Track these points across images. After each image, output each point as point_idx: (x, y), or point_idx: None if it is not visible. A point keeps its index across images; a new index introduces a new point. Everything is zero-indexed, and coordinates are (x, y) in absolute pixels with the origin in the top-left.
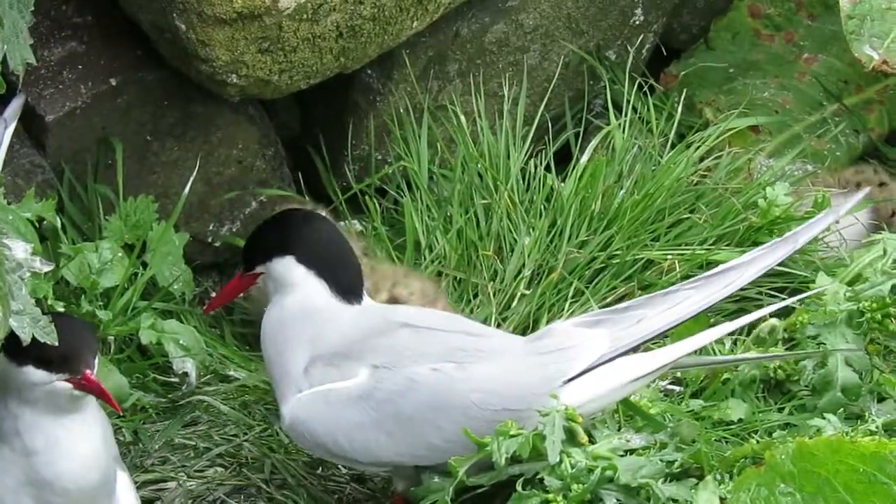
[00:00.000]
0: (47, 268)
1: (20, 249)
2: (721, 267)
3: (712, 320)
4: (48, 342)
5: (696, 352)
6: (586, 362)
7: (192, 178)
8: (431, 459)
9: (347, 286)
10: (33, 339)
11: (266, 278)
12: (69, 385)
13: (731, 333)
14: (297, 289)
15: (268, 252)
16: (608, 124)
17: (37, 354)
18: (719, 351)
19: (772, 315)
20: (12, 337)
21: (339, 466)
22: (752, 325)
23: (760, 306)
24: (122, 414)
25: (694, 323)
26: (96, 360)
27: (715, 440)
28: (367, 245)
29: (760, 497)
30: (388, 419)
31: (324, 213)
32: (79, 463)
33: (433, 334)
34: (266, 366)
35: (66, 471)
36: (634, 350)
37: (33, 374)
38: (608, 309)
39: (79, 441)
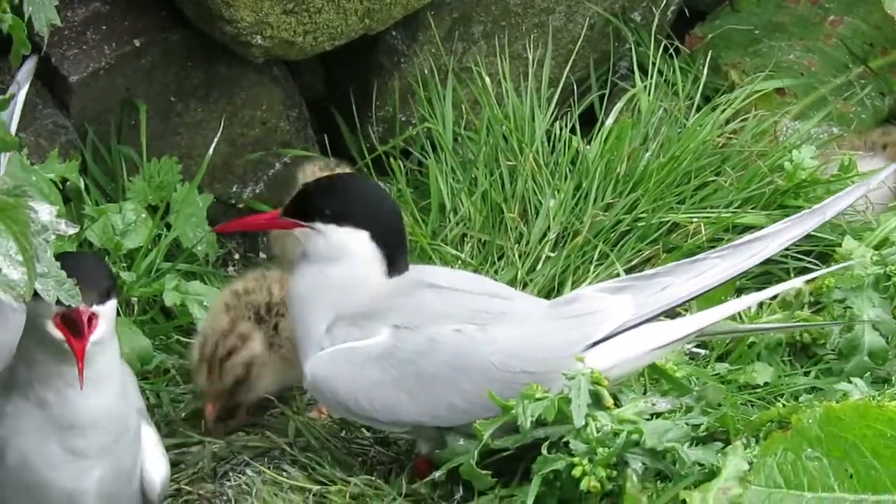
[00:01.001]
0: (72, 230)
1: (45, 212)
2: (748, 237)
3: (738, 283)
4: (73, 304)
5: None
6: (610, 328)
7: (215, 140)
8: (452, 420)
9: (402, 266)
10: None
11: (312, 235)
12: (60, 336)
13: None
14: (353, 262)
15: (339, 217)
16: (633, 87)
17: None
18: (745, 315)
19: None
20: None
21: (363, 430)
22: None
23: (786, 269)
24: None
25: (721, 290)
26: (110, 303)
27: (741, 404)
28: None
29: (787, 462)
30: (408, 379)
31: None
32: (90, 412)
33: (457, 295)
34: (291, 325)
35: (77, 419)
36: (659, 317)
37: (35, 307)
38: (634, 275)
39: (89, 394)
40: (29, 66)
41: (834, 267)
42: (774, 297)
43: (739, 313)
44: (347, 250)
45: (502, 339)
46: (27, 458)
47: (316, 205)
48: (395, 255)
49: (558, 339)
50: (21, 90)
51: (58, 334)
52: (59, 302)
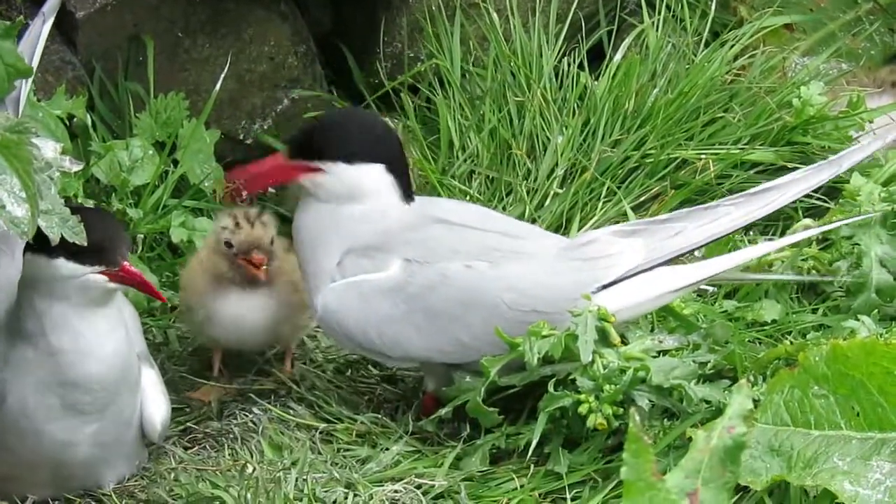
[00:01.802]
0: (77, 167)
1: (49, 148)
2: (763, 185)
3: None
4: (77, 241)
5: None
6: (621, 270)
7: (222, 75)
8: (459, 356)
9: (411, 191)
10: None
11: (321, 177)
12: (104, 278)
13: (764, 233)
14: (371, 198)
15: (349, 154)
16: (642, 22)
17: (69, 246)
18: None
19: (805, 215)
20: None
21: (370, 367)
22: (786, 227)
23: (793, 206)
24: (165, 302)
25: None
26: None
27: (748, 341)
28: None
29: (794, 399)
30: (417, 313)
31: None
32: (103, 360)
33: (468, 231)
34: (300, 262)
35: (90, 368)
36: (670, 262)
37: (64, 266)
38: (647, 220)
39: (103, 338)
40: (54, 0)
41: (851, 219)
42: (783, 233)
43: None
44: (364, 187)
45: (513, 277)
46: (26, 406)
47: (323, 145)
48: (407, 184)
49: (569, 280)
50: (46, 23)
51: (100, 279)
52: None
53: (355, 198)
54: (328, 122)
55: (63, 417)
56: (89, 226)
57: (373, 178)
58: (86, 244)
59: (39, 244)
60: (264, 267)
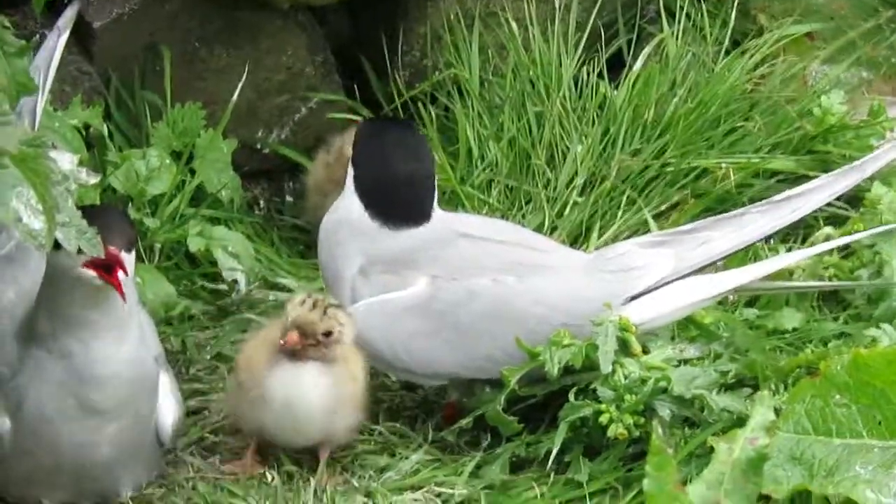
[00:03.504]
0: (94, 179)
1: (66, 161)
2: (788, 192)
3: None
4: (94, 253)
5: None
6: (650, 281)
7: (240, 85)
8: (490, 372)
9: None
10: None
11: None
12: (92, 273)
13: (784, 241)
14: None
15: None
16: (661, 31)
17: None
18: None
19: (826, 223)
20: None
21: (390, 374)
22: (806, 234)
23: (814, 215)
24: (122, 294)
25: None
26: (131, 255)
27: (769, 349)
28: None
29: (815, 408)
30: (446, 329)
31: None
32: (117, 361)
33: (493, 245)
34: (321, 271)
35: (100, 372)
36: (698, 272)
37: (61, 258)
38: (673, 230)
39: (112, 341)
40: (70, 14)
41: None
42: (804, 241)
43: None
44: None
45: (542, 290)
46: (43, 410)
47: (353, 153)
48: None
49: (598, 293)
50: (61, 37)
51: (89, 273)
52: (81, 252)
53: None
54: (360, 130)
55: (81, 418)
56: (87, 217)
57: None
58: (102, 256)
59: None
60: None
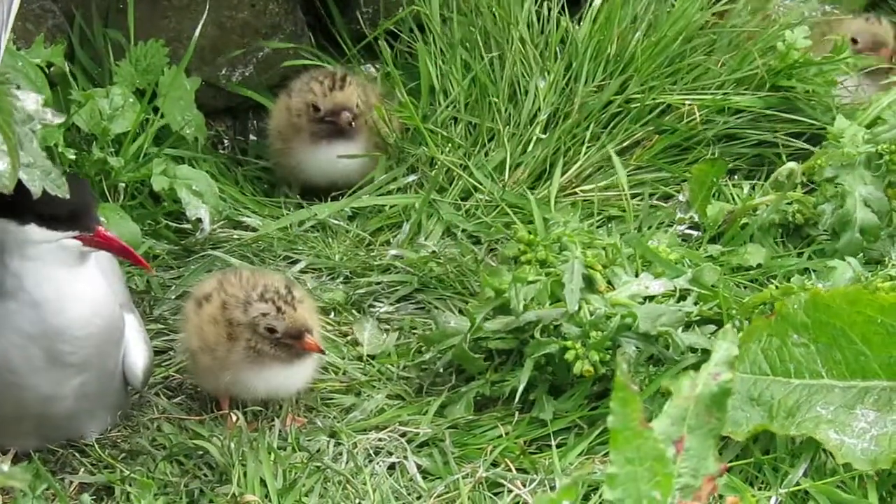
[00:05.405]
0: (58, 119)
1: (31, 101)
2: None
3: (730, 164)
4: (59, 195)
5: None
6: None
7: (202, 22)
8: None
9: None
10: (38, 196)
11: None
12: (77, 242)
13: (749, 177)
14: None
15: None
16: None
17: (41, 212)
18: (738, 196)
19: (790, 158)
20: (14, 195)
21: (354, 311)
22: (770, 170)
23: (777, 152)
24: (150, 269)
25: (712, 171)
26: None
27: (734, 285)
28: (382, 92)
29: (772, 348)
30: None
31: None
32: (87, 309)
33: None
34: None
35: (74, 317)
36: None
37: (37, 232)
38: None
39: (85, 287)
40: None
41: None
42: (767, 177)
43: (732, 195)
44: None
45: None
46: (10, 360)
47: None
48: None
49: None
50: None
51: (84, 247)
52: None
53: None
54: None
55: (47, 370)
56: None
57: None
58: (62, 207)
59: (11, 209)
60: None
